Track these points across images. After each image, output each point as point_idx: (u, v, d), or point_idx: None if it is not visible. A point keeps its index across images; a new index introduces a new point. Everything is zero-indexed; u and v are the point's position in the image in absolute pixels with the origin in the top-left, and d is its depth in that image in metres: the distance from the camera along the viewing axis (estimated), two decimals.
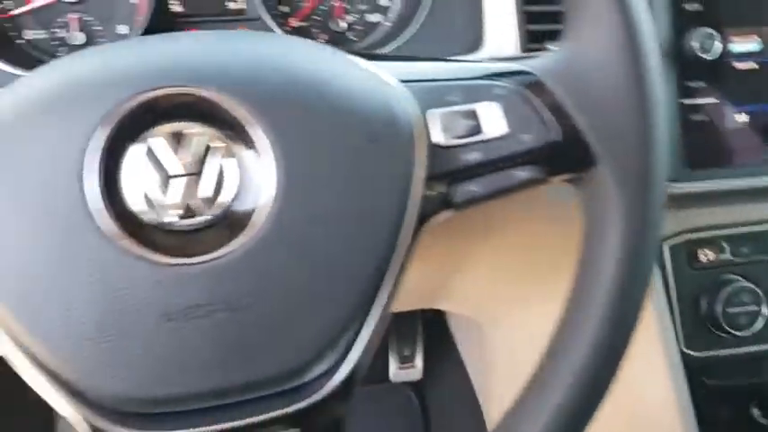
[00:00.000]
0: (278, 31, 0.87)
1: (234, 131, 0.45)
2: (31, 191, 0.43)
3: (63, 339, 0.43)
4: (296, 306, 0.45)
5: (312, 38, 0.92)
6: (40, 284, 0.43)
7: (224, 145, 0.45)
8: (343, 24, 0.92)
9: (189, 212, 0.44)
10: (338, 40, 0.92)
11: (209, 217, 0.45)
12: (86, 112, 0.43)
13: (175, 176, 0.44)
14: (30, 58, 0.85)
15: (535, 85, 0.51)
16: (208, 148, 0.45)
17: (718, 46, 0.78)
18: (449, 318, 1.42)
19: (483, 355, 1.47)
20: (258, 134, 0.44)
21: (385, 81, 0.49)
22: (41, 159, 0.43)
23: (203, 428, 0.46)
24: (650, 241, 0.50)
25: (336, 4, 0.92)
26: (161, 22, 0.88)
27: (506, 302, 1.25)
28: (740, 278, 0.85)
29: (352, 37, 0.93)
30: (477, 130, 0.49)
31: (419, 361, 1.55)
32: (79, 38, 0.87)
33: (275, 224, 0.44)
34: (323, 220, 0.45)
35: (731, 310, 0.83)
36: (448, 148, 0.49)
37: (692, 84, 0.79)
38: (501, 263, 1.03)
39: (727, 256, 0.85)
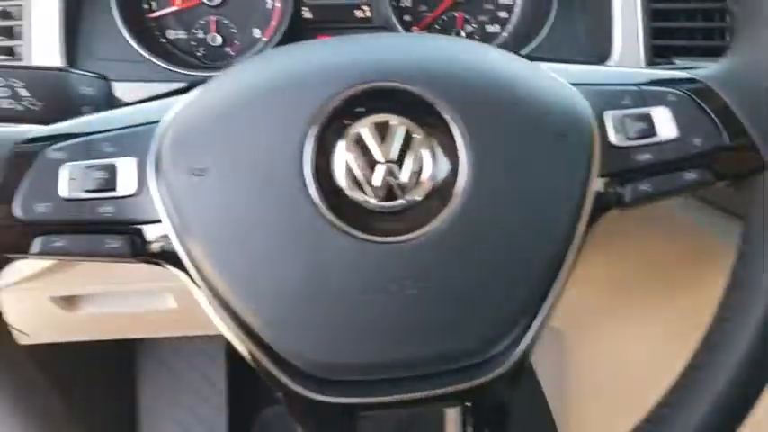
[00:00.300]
0: None
1: (434, 124, 0.49)
2: (255, 167, 0.47)
3: (271, 305, 0.47)
4: (483, 286, 0.48)
5: None
6: (256, 254, 0.47)
7: (423, 136, 0.49)
8: (463, 34, 0.96)
9: (390, 195, 0.48)
10: None
11: (407, 201, 0.48)
12: (306, 101, 0.48)
13: (380, 162, 0.48)
14: (171, 56, 0.90)
15: (704, 92, 0.54)
16: (409, 139, 0.48)
17: None
18: None
19: (560, 363, 1.48)
20: (455, 126, 0.48)
21: (562, 82, 0.53)
22: (267, 139, 0.47)
23: (388, 398, 0.50)
24: None
25: (457, 15, 0.96)
26: (293, 28, 0.92)
27: (597, 312, 1.27)
28: None
29: None
30: (650, 132, 0.52)
31: None
32: (217, 39, 0.92)
33: (467, 209, 0.48)
34: (511, 208, 0.48)
35: None
36: (622, 148, 0.52)
37: None
38: (603, 273, 1.05)
39: None
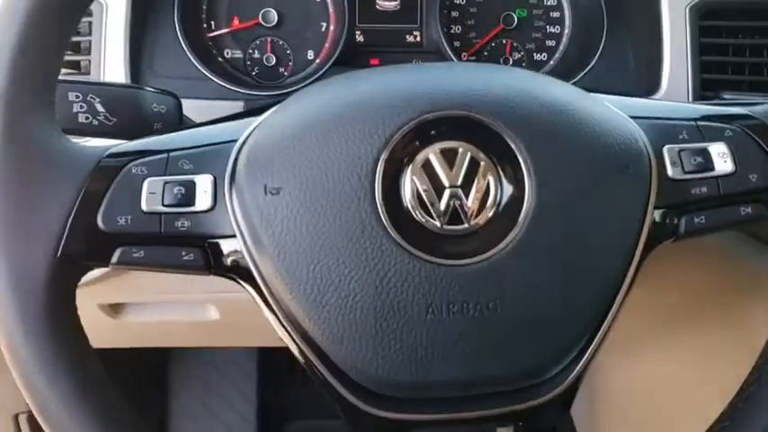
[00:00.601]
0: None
1: (501, 153, 0.51)
2: (327, 188, 0.49)
3: (336, 322, 0.49)
4: (541, 311, 0.50)
5: None
6: (324, 271, 0.49)
7: (490, 163, 0.51)
8: (511, 61, 0.98)
9: (455, 220, 0.50)
10: None
11: (471, 225, 0.50)
12: (379, 127, 0.50)
13: (448, 187, 0.50)
14: (227, 74, 0.93)
15: (759, 128, 0.55)
16: (476, 166, 0.50)
17: None
18: None
19: (589, 389, 1.49)
20: (521, 155, 0.50)
21: (623, 116, 0.55)
22: (339, 161, 0.49)
23: (444, 416, 0.51)
24: None
25: (506, 42, 0.98)
26: (345, 50, 0.95)
27: (628, 341, 1.28)
28: None
29: None
30: (707, 166, 0.54)
31: None
32: (272, 59, 0.95)
33: (529, 236, 0.49)
34: (572, 236, 0.50)
35: None
36: (679, 181, 0.54)
37: None
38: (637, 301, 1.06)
39: None
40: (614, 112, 0.54)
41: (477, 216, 0.50)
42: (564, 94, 0.53)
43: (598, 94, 0.56)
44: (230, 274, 0.52)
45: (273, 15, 0.94)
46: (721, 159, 0.54)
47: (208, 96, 0.86)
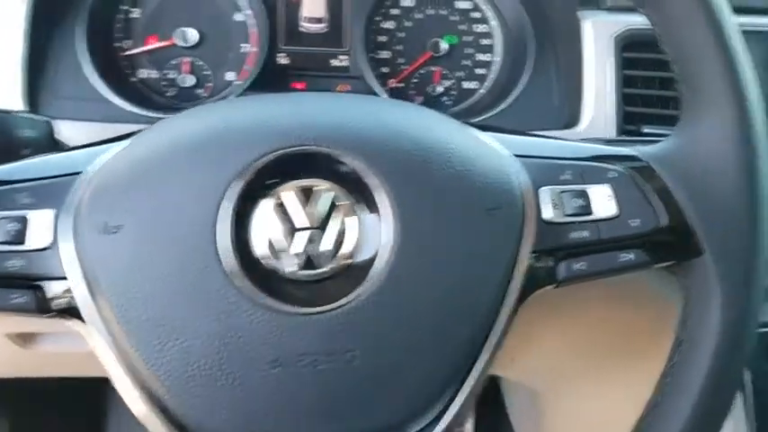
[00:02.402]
0: (379, 89, 0.90)
1: (359, 191, 0.47)
2: (169, 227, 0.46)
3: (177, 372, 0.45)
4: (401, 363, 0.46)
5: (408, 99, 0.95)
6: (164, 318, 0.45)
7: (348, 203, 0.47)
8: (440, 89, 0.95)
9: (310, 264, 0.46)
10: (433, 104, 0.95)
11: (327, 270, 0.47)
12: (226, 163, 0.46)
13: (301, 229, 0.46)
14: (140, 96, 0.90)
15: (645, 171, 0.52)
16: (333, 205, 0.47)
17: None
18: (502, 383, 1.41)
19: (538, 426, 1.45)
20: (381, 195, 0.47)
21: (501, 154, 0.51)
22: (184, 199, 0.46)
23: None
24: (747, 340, 0.51)
25: (435, 70, 0.95)
26: (267, 73, 0.92)
27: (571, 376, 1.24)
28: None
29: (446, 101, 0.95)
30: (587, 210, 0.50)
31: (469, 426, 1.54)
32: (189, 80, 0.91)
33: (387, 283, 0.46)
34: (434, 282, 0.47)
35: None
36: (557, 224, 0.50)
37: None
38: (574, 337, 1.03)
39: None
40: (491, 149, 0.51)
41: (332, 260, 0.46)
42: (433, 128, 0.50)
43: (476, 131, 0.53)
44: (65, 316, 0.48)
45: (192, 35, 0.91)
46: (603, 203, 0.51)
47: (116, 120, 0.82)
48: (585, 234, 0.50)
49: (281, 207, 0.46)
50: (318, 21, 0.94)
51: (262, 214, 0.46)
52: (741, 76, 0.50)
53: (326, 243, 0.46)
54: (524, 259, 0.49)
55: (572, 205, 0.50)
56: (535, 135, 0.56)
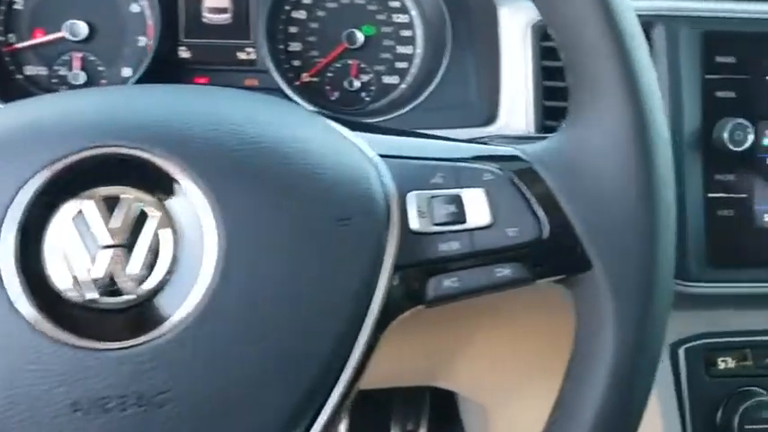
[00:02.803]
0: (285, 85, 0.83)
1: (174, 199, 0.40)
2: None
3: None
4: (227, 405, 0.39)
5: (324, 95, 0.88)
6: None
7: (161, 215, 0.40)
8: (357, 84, 0.88)
9: (114, 290, 0.39)
10: (351, 100, 0.88)
11: (134, 297, 0.39)
12: (15, 165, 0.39)
13: (104, 247, 0.39)
14: (27, 95, 0.82)
15: (527, 173, 0.45)
16: (144, 217, 0.40)
17: (749, 138, 0.71)
18: (457, 397, 1.35)
19: None
20: (203, 204, 0.39)
21: (364, 154, 0.44)
22: None
23: None
24: (647, 360, 0.44)
25: (352, 63, 0.88)
26: (167, 68, 0.84)
27: (506, 388, 1.18)
28: (762, 391, 0.77)
29: (365, 97, 0.89)
30: (459, 218, 0.44)
31: None
32: (80, 77, 0.84)
33: (211, 309, 0.39)
34: (270, 307, 0.40)
35: (750, 426, 0.75)
36: (425, 235, 0.44)
37: (720, 177, 0.73)
38: (503, 347, 0.96)
39: (749, 365, 0.78)
40: (351, 149, 0.44)
41: (141, 284, 0.39)
42: (280, 124, 0.43)
43: (340, 127, 0.46)
44: None
45: (82, 28, 0.83)
46: (476, 209, 0.44)
47: None
48: (456, 245, 0.43)
49: (80, 220, 0.39)
50: (222, 11, 0.87)
51: (57, 228, 0.39)
52: (635, 63, 0.43)
53: (134, 264, 0.39)
54: (385, 277, 0.42)
55: (442, 212, 0.44)
56: (414, 134, 0.49)
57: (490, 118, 0.77)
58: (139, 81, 0.81)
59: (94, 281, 0.39)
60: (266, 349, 0.40)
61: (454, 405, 1.39)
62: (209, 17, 0.87)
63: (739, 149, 0.71)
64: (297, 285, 0.40)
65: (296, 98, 0.82)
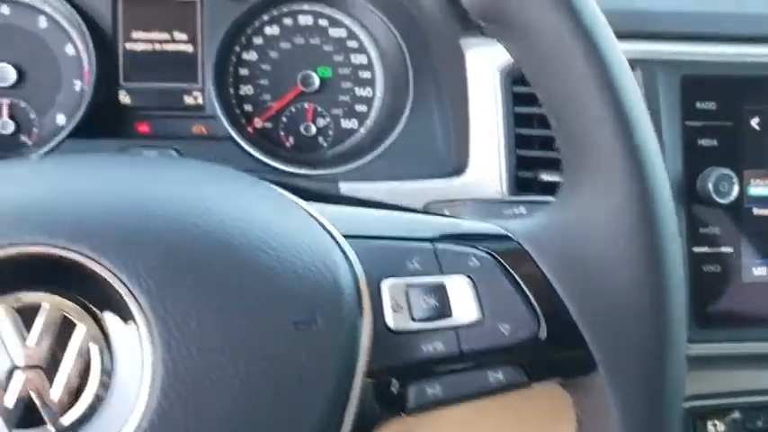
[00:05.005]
0: (234, 133, 0.76)
1: (106, 307, 0.33)
2: None
3: None
4: None
5: (278, 142, 0.82)
6: None
7: (94, 325, 0.33)
8: (314, 129, 0.82)
9: (32, 420, 0.32)
10: (307, 146, 0.82)
11: (59, 426, 0.32)
12: None
13: (22, 367, 0.32)
14: None
15: (518, 257, 0.39)
16: (71, 330, 0.33)
17: (735, 189, 0.67)
18: None
19: None
20: (137, 312, 0.33)
21: (328, 234, 0.38)
22: None
23: None
24: None
25: (308, 107, 0.82)
26: (106, 114, 0.77)
27: None
28: None
29: (322, 143, 0.82)
30: (443, 312, 0.38)
31: None
32: (9, 126, 0.76)
33: None
34: (221, 428, 0.33)
35: None
36: (403, 333, 0.37)
37: (705, 230, 0.68)
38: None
39: (738, 428, 0.73)
40: (311, 229, 0.38)
41: (68, 410, 0.32)
42: (219, 201, 0.37)
43: (296, 201, 0.39)
44: None
45: (10, 72, 0.76)
46: (463, 301, 0.38)
47: None
48: (440, 346, 0.37)
49: None
50: (166, 52, 0.80)
51: None
52: (639, 136, 0.38)
53: (57, 388, 0.32)
54: (358, 385, 0.36)
55: (422, 305, 0.37)
56: (380, 205, 0.43)
57: (458, 168, 0.72)
58: (76, 130, 0.74)
59: (7, 410, 0.32)
60: None
61: None
62: (150, 58, 0.80)
63: (725, 201, 0.66)
64: (253, 406, 0.33)
65: (247, 146, 0.75)
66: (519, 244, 0.40)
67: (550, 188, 0.69)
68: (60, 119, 0.78)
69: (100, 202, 0.34)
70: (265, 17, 0.81)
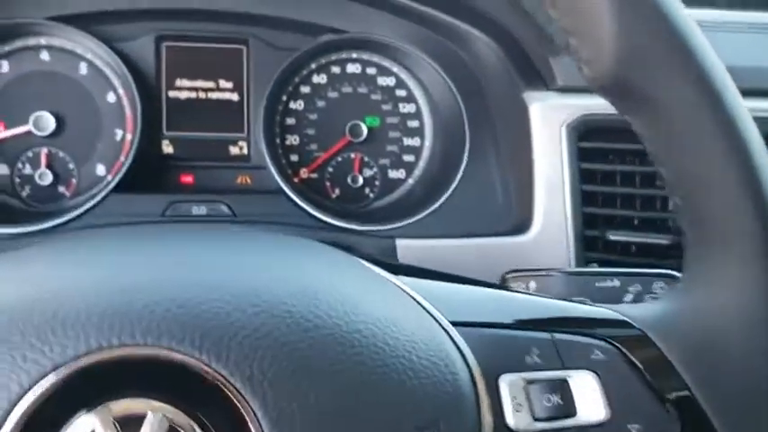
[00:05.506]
0: (282, 183, 0.73)
1: (215, 416, 0.30)
2: None
3: None
4: None
5: (323, 193, 0.79)
6: None
7: None
8: (360, 179, 0.79)
9: None
10: (353, 197, 0.79)
11: None
12: (13, 370, 0.28)
13: None
14: None
15: (642, 347, 0.36)
16: None
17: None
18: None
19: None
20: (249, 418, 0.29)
21: (435, 322, 0.35)
22: None
23: None
24: None
25: (355, 156, 0.79)
26: (148, 164, 0.74)
27: None
28: None
29: (368, 193, 0.80)
30: (568, 411, 0.34)
31: None
32: (47, 176, 0.73)
33: None
34: None
35: None
36: None
37: None
38: None
39: None
40: (420, 317, 0.34)
41: None
42: (327, 289, 0.33)
43: (395, 282, 0.36)
44: None
45: (49, 121, 0.73)
46: (588, 399, 0.34)
47: None
48: None
49: None
50: (212, 101, 0.78)
51: None
52: None
53: None
54: None
55: (544, 404, 0.34)
56: (470, 281, 0.40)
57: (521, 226, 0.69)
58: (120, 183, 0.71)
59: None
60: None
61: None
62: (194, 106, 0.77)
63: None
64: None
65: (296, 198, 0.72)
66: (641, 331, 0.36)
67: (615, 248, 0.67)
68: (100, 169, 0.75)
69: (208, 292, 0.31)
70: (313, 65, 0.79)
